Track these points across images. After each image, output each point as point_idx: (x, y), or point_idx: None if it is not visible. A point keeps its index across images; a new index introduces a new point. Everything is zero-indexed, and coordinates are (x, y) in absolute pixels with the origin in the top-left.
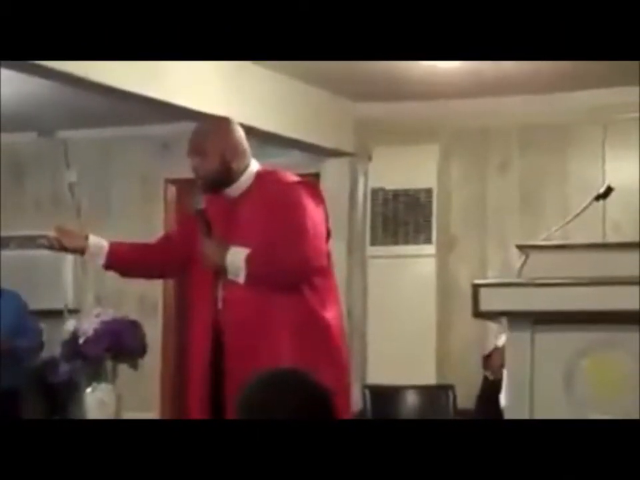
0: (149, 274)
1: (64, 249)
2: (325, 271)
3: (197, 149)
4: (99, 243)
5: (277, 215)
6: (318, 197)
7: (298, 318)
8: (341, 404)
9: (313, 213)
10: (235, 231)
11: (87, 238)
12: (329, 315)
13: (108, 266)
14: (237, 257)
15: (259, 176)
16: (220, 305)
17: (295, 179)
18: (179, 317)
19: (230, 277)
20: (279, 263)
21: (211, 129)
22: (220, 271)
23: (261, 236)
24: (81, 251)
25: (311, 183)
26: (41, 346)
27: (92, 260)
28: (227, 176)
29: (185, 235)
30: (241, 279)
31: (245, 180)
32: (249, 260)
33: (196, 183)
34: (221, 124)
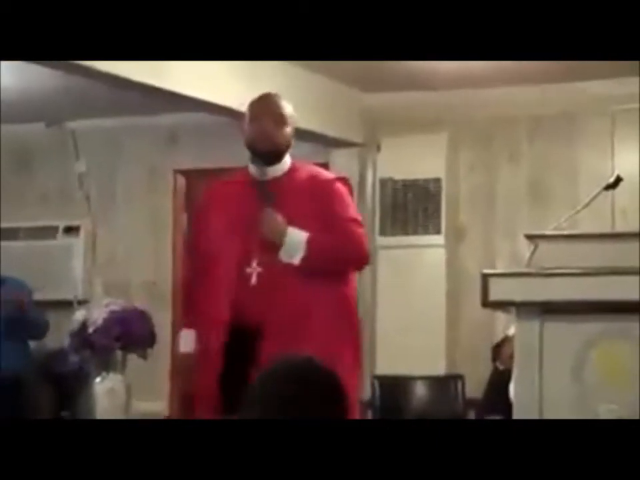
0: None
1: None
2: None
3: (278, 116)
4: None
5: (327, 206)
6: (352, 193)
7: (336, 305)
8: (353, 391)
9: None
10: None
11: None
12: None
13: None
14: (297, 238)
15: (294, 167)
16: (254, 281)
17: (333, 174)
18: None
19: (282, 255)
20: (340, 251)
21: (286, 105)
22: (269, 247)
23: (309, 223)
24: None
25: (346, 179)
26: (47, 325)
27: None
28: (285, 151)
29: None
30: (296, 260)
31: (284, 164)
32: (311, 243)
33: (260, 147)
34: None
